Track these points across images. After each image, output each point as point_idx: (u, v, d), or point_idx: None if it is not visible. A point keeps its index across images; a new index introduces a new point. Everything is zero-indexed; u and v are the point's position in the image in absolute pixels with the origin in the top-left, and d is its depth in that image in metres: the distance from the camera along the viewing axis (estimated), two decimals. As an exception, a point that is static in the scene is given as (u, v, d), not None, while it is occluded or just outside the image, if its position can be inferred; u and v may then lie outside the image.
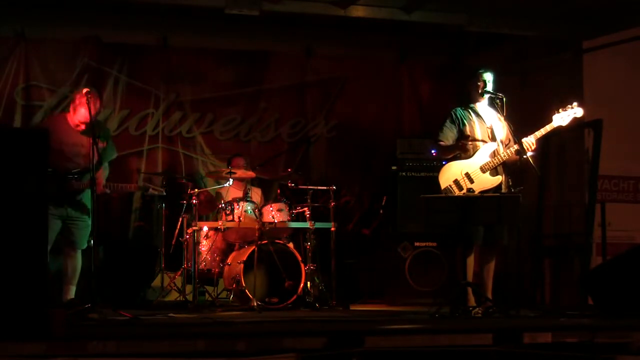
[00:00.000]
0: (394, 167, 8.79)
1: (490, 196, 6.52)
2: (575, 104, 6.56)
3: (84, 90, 6.58)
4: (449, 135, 6.72)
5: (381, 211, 9.08)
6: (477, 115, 6.74)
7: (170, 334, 4.94)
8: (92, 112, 6.49)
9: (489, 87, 6.71)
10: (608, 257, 7.69)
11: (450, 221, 6.36)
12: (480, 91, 6.70)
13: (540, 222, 8.52)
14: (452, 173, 6.65)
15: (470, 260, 6.58)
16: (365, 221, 9.37)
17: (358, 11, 8.37)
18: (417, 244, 8.52)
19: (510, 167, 6.68)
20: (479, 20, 8.50)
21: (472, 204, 6.29)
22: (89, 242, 6.70)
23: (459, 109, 6.77)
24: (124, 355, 4.39)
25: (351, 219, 9.39)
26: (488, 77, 6.72)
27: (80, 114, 6.66)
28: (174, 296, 7.53)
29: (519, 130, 6.61)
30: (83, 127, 6.71)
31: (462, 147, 6.66)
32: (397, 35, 9.49)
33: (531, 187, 7.57)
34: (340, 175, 9.30)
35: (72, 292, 6.80)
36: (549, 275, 8.50)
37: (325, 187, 7.95)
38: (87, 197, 6.77)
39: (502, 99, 6.58)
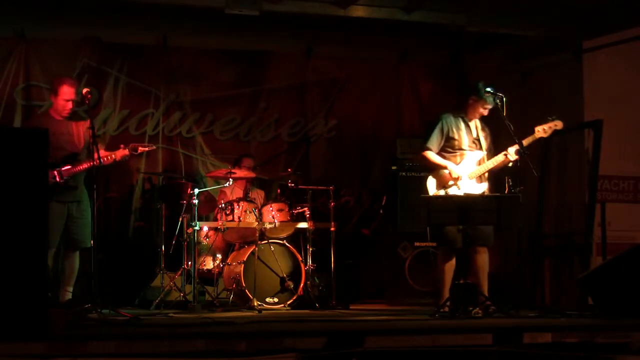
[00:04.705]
0: (394, 167, 8.79)
1: (490, 196, 6.57)
2: (554, 116, 6.66)
3: (84, 90, 6.63)
4: (436, 143, 6.78)
5: (381, 211, 9.08)
6: (467, 125, 6.81)
7: (170, 334, 4.93)
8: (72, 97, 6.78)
9: (486, 112, 6.74)
10: (608, 257, 7.68)
11: (450, 221, 6.39)
12: (478, 114, 6.74)
13: (540, 222, 8.52)
14: (440, 179, 6.71)
15: (450, 265, 6.62)
16: (365, 221, 9.37)
17: (358, 11, 8.37)
18: (417, 244, 8.51)
19: (509, 169, 6.73)
20: (479, 20, 8.50)
21: (472, 204, 6.31)
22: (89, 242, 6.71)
23: (451, 116, 6.81)
24: (123, 355, 4.39)
25: (351, 219, 9.40)
26: (490, 104, 6.73)
27: (63, 98, 6.82)
28: (174, 296, 7.53)
29: (518, 130, 6.63)
30: (67, 112, 6.86)
31: (443, 169, 6.72)
32: (397, 35, 9.48)
33: (531, 187, 7.57)
34: (340, 175, 9.31)
35: (69, 294, 6.81)
36: (549, 275, 8.50)
37: (324, 187, 7.96)
38: (85, 196, 6.82)
39: (502, 98, 6.61)
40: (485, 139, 6.80)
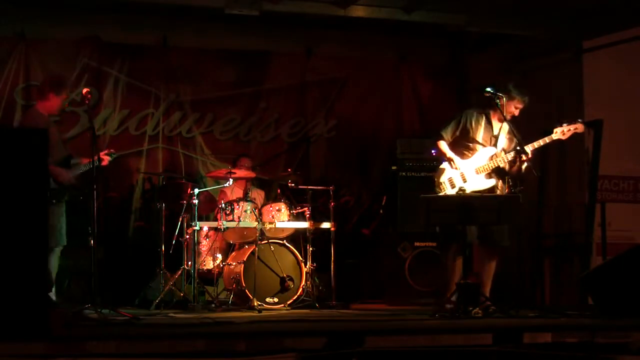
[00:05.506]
0: (394, 167, 8.78)
1: (490, 196, 6.58)
2: (579, 120, 6.67)
3: (84, 90, 6.66)
4: (450, 133, 6.83)
5: (381, 211, 9.08)
6: (489, 122, 6.81)
7: (170, 334, 4.94)
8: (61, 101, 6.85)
9: (516, 112, 6.73)
10: (608, 257, 7.69)
11: (450, 220, 6.40)
12: (508, 115, 6.68)
13: (540, 222, 8.52)
14: (448, 171, 6.76)
15: (460, 263, 6.62)
16: (365, 221, 9.37)
17: (358, 11, 8.38)
18: (417, 244, 8.51)
19: (510, 172, 6.73)
20: (479, 20, 8.51)
21: (472, 203, 6.31)
22: (88, 241, 6.71)
23: (474, 112, 6.82)
24: (123, 355, 4.39)
25: (351, 219, 9.40)
26: (521, 104, 6.72)
27: (63, 98, 6.87)
28: (174, 296, 7.52)
29: (517, 130, 6.63)
30: (59, 112, 7.03)
31: (449, 160, 6.76)
32: (397, 35, 9.49)
33: (531, 187, 7.57)
34: (340, 175, 9.31)
35: (53, 293, 6.79)
36: (549, 275, 8.50)
37: (324, 187, 7.96)
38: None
39: (503, 98, 6.62)
40: (510, 140, 6.77)
